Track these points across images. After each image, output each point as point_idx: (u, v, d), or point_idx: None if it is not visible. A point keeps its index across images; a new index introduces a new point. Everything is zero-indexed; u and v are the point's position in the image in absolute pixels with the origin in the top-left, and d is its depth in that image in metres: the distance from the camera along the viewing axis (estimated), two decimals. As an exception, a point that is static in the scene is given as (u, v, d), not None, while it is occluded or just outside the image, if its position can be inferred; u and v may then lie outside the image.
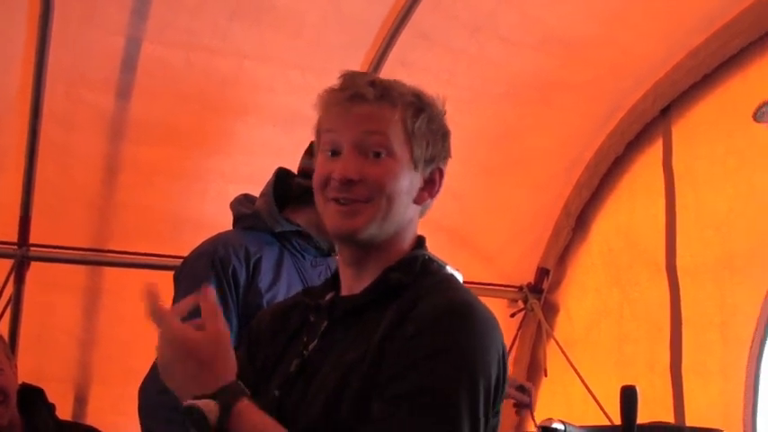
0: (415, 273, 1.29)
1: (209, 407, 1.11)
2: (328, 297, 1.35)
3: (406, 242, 1.34)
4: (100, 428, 2.46)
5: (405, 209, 1.30)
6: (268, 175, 2.20)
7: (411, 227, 1.35)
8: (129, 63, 2.93)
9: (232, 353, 1.17)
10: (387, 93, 1.28)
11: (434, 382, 1.15)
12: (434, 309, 1.21)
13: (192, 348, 1.15)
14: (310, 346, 1.29)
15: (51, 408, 2.39)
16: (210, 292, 1.20)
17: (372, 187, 1.26)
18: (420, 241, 1.36)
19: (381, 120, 1.27)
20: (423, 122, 1.29)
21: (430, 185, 1.34)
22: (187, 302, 1.20)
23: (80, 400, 3.16)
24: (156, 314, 1.17)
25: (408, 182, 1.29)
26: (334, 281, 1.38)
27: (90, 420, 2.93)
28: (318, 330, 1.30)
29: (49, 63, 2.77)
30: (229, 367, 1.16)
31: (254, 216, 2.16)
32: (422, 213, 1.37)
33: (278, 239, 2.14)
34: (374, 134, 1.27)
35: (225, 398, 1.13)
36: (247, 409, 1.14)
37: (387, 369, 1.17)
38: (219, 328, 1.17)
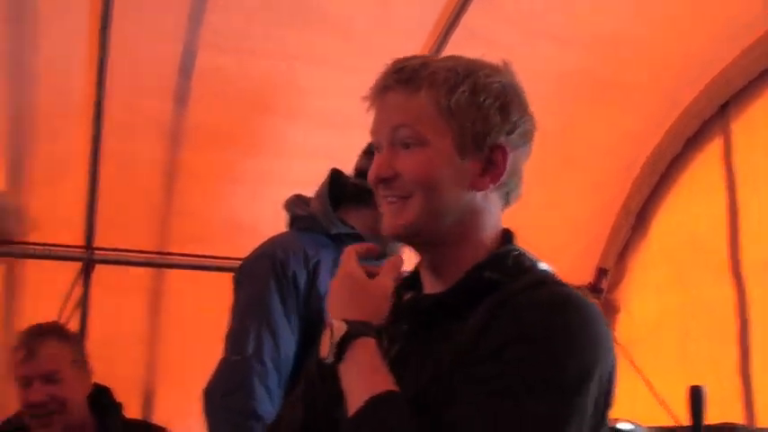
0: (509, 271, 1.17)
1: (340, 328, 1.14)
2: (408, 297, 1.26)
3: (486, 236, 1.20)
4: (167, 427, 2.50)
5: (456, 199, 1.17)
6: (321, 177, 2.21)
7: (483, 218, 1.20)
8: (186, 70, 2.99)
9: (386, 308, 1.19)
10: (413, 76, 1.17)
11: (528, 370, 1.04)
12: (534, 303, 1.09)
13: (357, 285, 1.19)
14: (392, 351, 1.19)
15: (119, 407, 2.44)
16: (400, 259, 1.24)
17: (408, 182, 1.17)
18: (507, 236, 1.23)
19: (407, 109, 1.17)
20: (461, 97, 1.15)
21: (491, 168, 1.17)
22: (365, 246, 1.26)
23: (147, 400, 3.23)
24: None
25: (452, 169, 1.16)
26: (412, 281, 1.28)
27: (157, 420, 2.98)
28: (400, 333, 1.21)
29: (108, 72, 2.85)
30: (377, 314, 1.17)
31: (310, 218, 2.16)
32: (506, 201, 1.22)
33: (333, 241, 2.15)
34: (401, 127, 1.17)
35: (357, 328, 1.14)
36: (370, 347, 1.13)
37: (479, 357, 1.07)
38: (387, 282, 1.20)
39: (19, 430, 2.32)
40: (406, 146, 1.17)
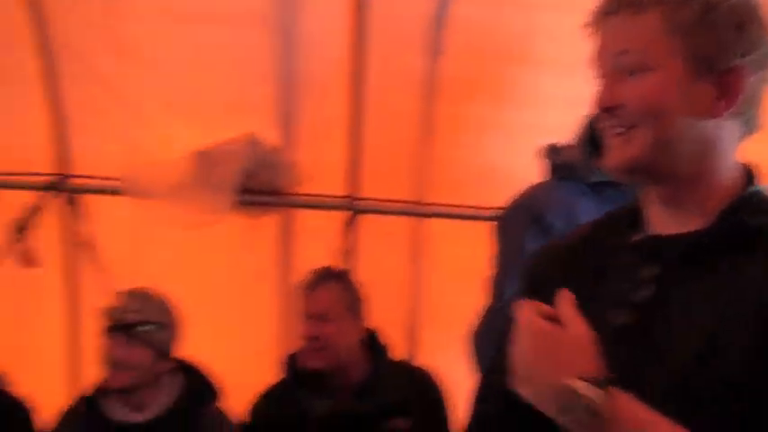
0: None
1: (586, 388, 0.99)
2: (638, 237, 1.16)
3: (727, 171, 1.10)
4: (429, 368, 2.62)
5: (688, 127, 1.07)
6: (575, 126, 2.18)
7: (719, 150, 1.09)
8: (440, 23, 3.06)
9: (598, 356, 1.03)
10: None
11: None
12: None
13: (557, 342, 1.05)
14: (639, 295, 1.10)
15: (386, 349, 2.60)
16: (567, 297, 1.08)
17: (633, 111, 1.08)
18: (751, 173, 1.13)
19: (630, 33, 1.08)
20: (691, 14, 1.06)
21: (725, 93, 1.07)
22: (543, 306, 1.10)
23: (411, 342, 3.39)
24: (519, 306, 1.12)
25: (682, 94, 1.06)
26: (632, 217, 1.18)
27: (420, 361, 3.10)
28: (643, 275, 1.10)
29: (367, 30, 2.99)
30: (595, 366, 1.02)
31: (568, 167, 2.14)
32: (745, 131, 1.11)
33: (592, 190, 2.12)
34: (624, 53, 1.09)
35: (604, 385, 0.99)
36: (630, 399, 1.00)
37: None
38: (583, 329, 1.05)
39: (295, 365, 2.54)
40: (631, 72, 1.09)
